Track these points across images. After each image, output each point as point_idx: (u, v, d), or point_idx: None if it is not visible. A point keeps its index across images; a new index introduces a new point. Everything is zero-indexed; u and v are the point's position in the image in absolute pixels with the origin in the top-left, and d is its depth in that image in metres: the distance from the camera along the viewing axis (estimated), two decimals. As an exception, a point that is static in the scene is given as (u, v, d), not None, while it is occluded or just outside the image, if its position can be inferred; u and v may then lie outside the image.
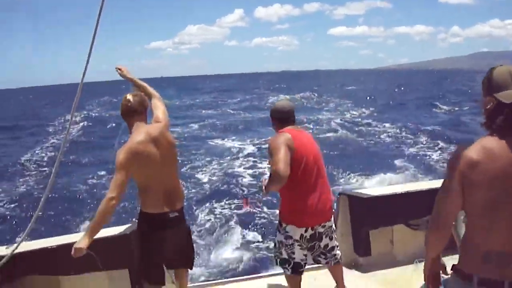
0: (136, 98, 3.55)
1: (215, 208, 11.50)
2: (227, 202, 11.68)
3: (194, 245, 4.12)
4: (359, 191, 5.05)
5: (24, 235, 3.80)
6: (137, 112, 3.49)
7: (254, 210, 3.90)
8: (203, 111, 40.35)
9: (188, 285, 4.72)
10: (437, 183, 4.68)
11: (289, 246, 3.77)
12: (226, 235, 9.56)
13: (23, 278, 4.22)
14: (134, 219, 4.61)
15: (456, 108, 34.72)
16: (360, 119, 29.21)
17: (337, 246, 3.99)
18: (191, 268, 4.01)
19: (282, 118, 3.82)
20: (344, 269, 4.74)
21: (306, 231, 3.71)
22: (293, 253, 3.78)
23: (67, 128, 3.24)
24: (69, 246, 4.24)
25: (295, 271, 3.85)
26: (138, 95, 3.62)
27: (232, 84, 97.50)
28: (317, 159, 3.73)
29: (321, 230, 3.76)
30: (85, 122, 32.19)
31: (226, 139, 23.05)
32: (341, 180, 13.75)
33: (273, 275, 4.79)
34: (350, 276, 4.62)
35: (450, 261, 4.39)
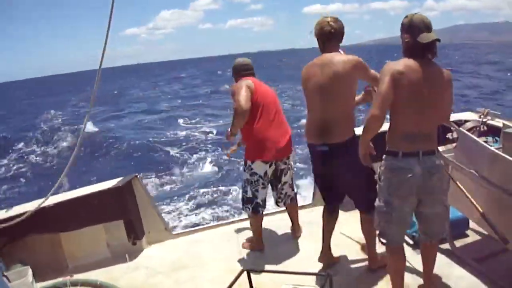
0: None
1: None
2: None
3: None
4: None
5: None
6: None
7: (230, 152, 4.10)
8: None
9: (179, 232, 5.13)
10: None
11: (254, 183, 4.06)
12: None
13: (25, 238, 4.38)
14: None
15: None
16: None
17: (291, 186, 4.32)
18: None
19: (241, 69, 4.17)
20: None
21: (270, 166, 4.03)
22: (257, 191, 4.07)
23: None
24: (65, 203, 4.43)
25: (255, 210, 4.14)
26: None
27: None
28: (275, 101, 4.10)
29: (283, 167, 4.13)
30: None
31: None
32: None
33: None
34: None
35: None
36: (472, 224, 3.95)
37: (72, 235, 4.53)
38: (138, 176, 4.80)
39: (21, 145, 19.87)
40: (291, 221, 4.57)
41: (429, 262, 3.21)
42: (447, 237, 3.67)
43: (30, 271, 3.85)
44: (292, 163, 4.29)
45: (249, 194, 4.12)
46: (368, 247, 3.77)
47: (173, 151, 16.04)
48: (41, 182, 13.00)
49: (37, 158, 17.47)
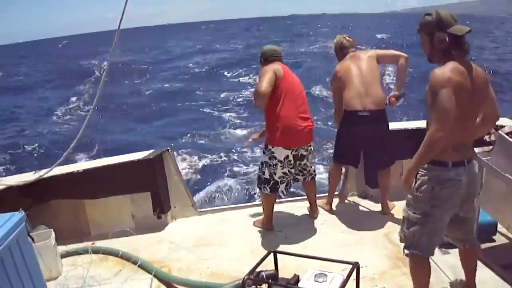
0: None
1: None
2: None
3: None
4: None
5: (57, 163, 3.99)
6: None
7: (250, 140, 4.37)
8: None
9: (204, 209, 5.18)
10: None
11: (272, 166, 4.21)
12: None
13: (50, 202, 4.47)
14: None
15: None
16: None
17: (312, 163, 4.53)
18: None
19: (268, 56, 4.30)
20: (357, 199, 5.11)
21: (292, 152, 4.16)
22: (275, 173, 4.23)
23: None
24: (93, 171, 4.48)
25: (273, 189, 4.31)
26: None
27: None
28: (301, 89, 4.27)
29: (304, 153, 4.26)
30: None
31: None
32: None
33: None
34: (362, 204, 4.98)
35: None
36: (500, 229, 3.90)
37: (97, 203, 4.58)
38: (170, 150, 4.83)
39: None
40: (309, 201, 4.71)
41: (473, 265, 3.13)
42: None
43: (53, 234, 3.89)
44: (312, 148, 4.45)
45: (267, 175, 4.27)
46: (383, 197, 4.65)
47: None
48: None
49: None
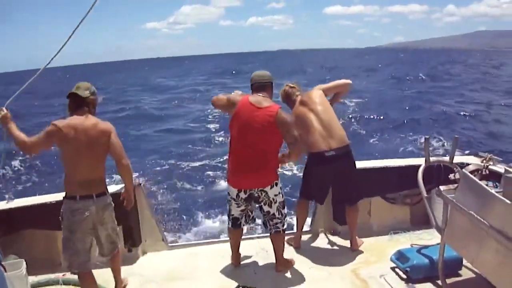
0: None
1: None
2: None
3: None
4: None
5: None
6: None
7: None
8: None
9: (175, 244, 5.23)
10: (413, 161, 5.02)
11: (228, 202, 4.20)
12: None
13: (22, 231, 4.46)
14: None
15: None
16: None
17: (281, 216, 4.14)
18: None
19: (253, 83, 4.11)
20: (325, 235, 5.13)
21: (240, 191, 4.03)
22: (231, 209, 4.21)
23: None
24: None
25: (234, 224, 4.26)
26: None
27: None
28: (251, 130, 3.86)
29: (256, 195, 4.02)
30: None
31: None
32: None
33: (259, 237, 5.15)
34: (330, 240, 5.02)
35: (423, 234, 4.74)
36: (466, 264, 3.98)
37: None
38: (142, 184, 4.88)
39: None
40: (274, 251, 4.31)
41: None
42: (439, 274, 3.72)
43: (24, 264, 3.86)
44: (274, 194, 4.03)
45: (228, 210, 4.27)
46: (351, 233, 4.68)
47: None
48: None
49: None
